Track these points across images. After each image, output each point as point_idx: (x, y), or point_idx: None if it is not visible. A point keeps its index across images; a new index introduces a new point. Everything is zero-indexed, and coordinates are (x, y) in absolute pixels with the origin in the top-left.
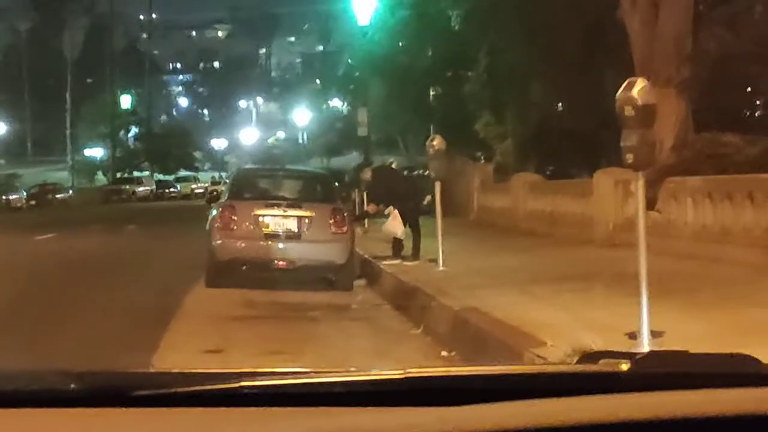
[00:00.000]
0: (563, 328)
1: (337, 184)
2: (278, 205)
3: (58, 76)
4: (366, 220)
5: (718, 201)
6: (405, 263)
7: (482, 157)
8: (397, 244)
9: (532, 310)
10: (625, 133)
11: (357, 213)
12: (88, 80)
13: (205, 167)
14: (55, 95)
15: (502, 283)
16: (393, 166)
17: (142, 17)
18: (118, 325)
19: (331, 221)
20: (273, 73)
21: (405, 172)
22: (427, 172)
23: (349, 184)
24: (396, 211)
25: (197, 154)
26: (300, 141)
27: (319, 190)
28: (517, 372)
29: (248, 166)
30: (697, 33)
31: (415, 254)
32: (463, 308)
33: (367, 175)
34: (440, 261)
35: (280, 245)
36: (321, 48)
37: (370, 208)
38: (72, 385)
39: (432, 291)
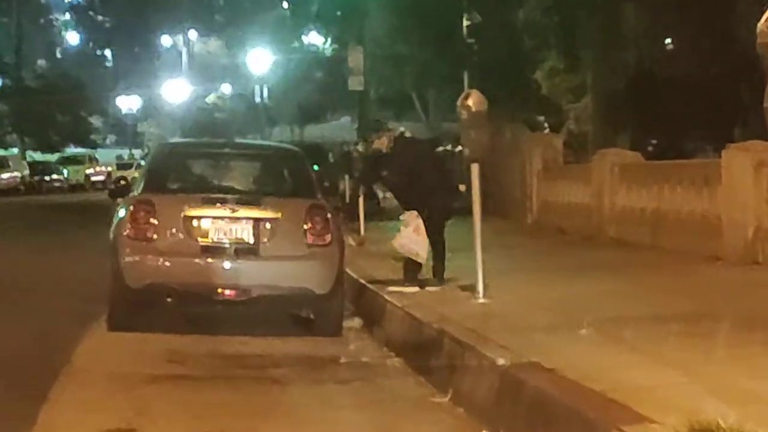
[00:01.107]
0: (673, 393)
1: (316, 167)
2: (223, 202)
3: None
4: (363, 225)
5: None
6: (429, 289)
7: (546, 124)
8: (411, 262)
9: (623, 366)
10: None
11: (347, 208)
12: None
13: (108, 141)
14: None
15: (576, 324)
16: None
17: None
18: None
19: (307, 226)
20: None
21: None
22: (459, 148)
23: (337, 166)
24: (419, 220)
25: (95, 121)
26: (257, 100)
27: (288, 178)
28: None
29: (175, 139)
30: None
31: (438, 276)
32: (515, 363)
33: (381, 142)
34: (479, 288)
35: (226, 265)
36: None
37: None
38: None
39: (466, 336)
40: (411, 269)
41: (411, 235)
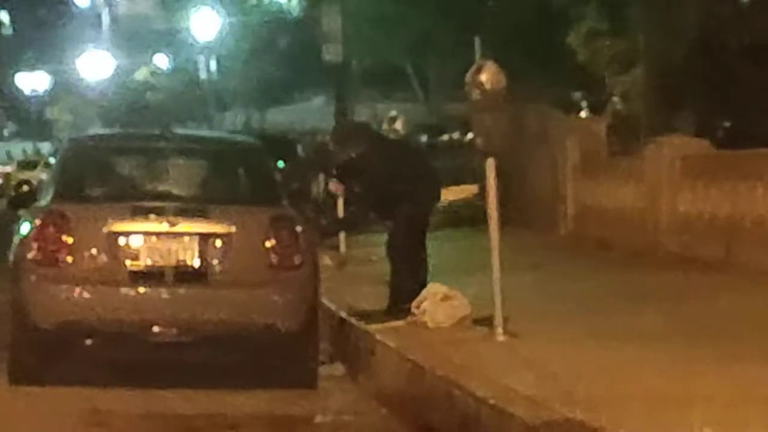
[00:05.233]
0: None
1: (281, 164)
2: (159, 213)
3: None
4: (343, 240)
5: None
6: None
7: (584, 104)
8: (400, 285)
9: (691, 426)
10: None
11: (321, 217)
12: None
13: (6, 132)
14: None
15: (631, 370)
16: (397, 126)
17: None
18: None
19: (271, 243)
20: None
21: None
22: (468, 136)
23: (308, 162)
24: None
25: None
26: (203, 76)
27: (245, 180)
28: None
29: (94, 131)
30: None
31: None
32: (548, 421)
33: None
34: (499, 323)
35: (164, 295)
36: None
37: (332, 186)
38: None
39: (483, 385)
40: (399, 294)
41: (443, 305)
